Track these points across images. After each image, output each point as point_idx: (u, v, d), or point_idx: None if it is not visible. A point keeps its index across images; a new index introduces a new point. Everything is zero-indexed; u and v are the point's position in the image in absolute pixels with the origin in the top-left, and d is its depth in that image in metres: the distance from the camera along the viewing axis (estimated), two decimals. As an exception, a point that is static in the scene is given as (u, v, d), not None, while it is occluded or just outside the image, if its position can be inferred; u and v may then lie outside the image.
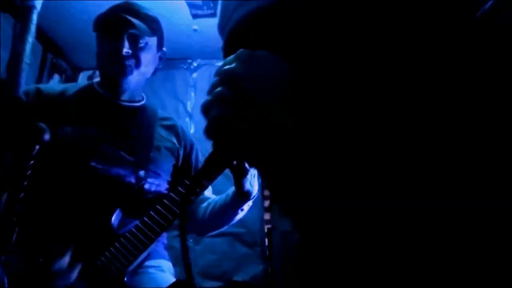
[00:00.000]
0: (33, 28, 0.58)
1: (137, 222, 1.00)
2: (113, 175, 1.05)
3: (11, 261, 0.79)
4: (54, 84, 1.25)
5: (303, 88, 0.38)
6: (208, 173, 0.43)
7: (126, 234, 0.98)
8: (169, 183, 1.20)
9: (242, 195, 1.08)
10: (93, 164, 1.04)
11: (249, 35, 0.44)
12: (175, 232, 2.27)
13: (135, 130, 1.15)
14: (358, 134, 0.34)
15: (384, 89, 0.34)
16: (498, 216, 0.28)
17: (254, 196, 1.10)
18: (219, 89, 0.40)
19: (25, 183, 0.74)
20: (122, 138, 1.11)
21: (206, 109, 0.41)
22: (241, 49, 0.41)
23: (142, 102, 1.25)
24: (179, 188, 1.04)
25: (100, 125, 1.11)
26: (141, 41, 1.13)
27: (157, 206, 1.01)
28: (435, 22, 0.34)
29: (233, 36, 0.46)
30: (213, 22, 2.25)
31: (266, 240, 2.36)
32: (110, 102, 1.17)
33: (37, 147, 0.83)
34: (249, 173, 1.03)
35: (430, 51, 0.33)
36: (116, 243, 0.97)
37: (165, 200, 1.01)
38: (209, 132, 0.41)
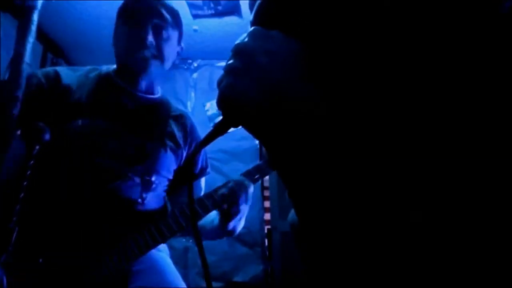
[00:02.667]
0: (33, 28, 0.58)
1: (140, 228, 1.00)
2: (119, 175, 1.03)
3: (10, 261, 0.79)
4: (74, 69, 1.16)
5: (317, 68, 0.39)
6: (213, 138, 0.46)
7: (128, 239, 0.98)
8: (169, 180, 1.19)
9: (225, 233, 1.10)
10: (99, 160, 1.01)
11: (270, 15, 0.46)
12: (175, 232, 2.27)
13: (147, 126, 1.13)
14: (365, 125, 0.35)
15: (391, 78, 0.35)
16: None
17: (237, 233, 1.12)
18: (230, 61, 0.42)
19: (25, 183, 0.74)
20: (132, 135, 1.09)
21: (219, 82, 0.43)
22: (254, 27, 0.43)
23: (158, 95, 1.22)
24: (202, 197, 1.04)
25: (111, 117, 1.07)
26: (164, 33, 1.10)
27: (175, 211, 1.02)
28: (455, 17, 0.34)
29: (256, 15, 0.47)
30: (214, 22, 2.25)
31: (266, 241, 2.36)
32: (126, 92, 1.13)
33: (37, 147, 0.83)
34: (235, 218, 1.05)
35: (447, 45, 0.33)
36: (114, 247, 0.97)
37: (174, 212, 1.03)
38: (219, 102, 0.42)
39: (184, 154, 1.23)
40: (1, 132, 0.59)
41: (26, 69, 0.57)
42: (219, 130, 0.45)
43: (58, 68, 1.12)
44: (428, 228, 0.30)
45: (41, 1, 0.58)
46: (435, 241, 0.29)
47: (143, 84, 1.16)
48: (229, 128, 0.45)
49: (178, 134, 1.21)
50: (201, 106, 2.51)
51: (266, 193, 2.55)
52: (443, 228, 0.29)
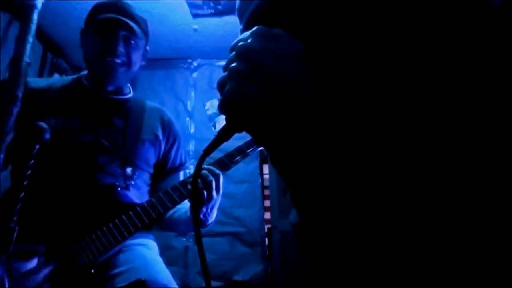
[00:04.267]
0: (33, 27, 0.58)
1: (121, 215, 1.02)
2: (96, 165, 1.07)
3: (11, 260, 0.79)
4: (43, 78, 1.27)
5: (320, 67, 0.38)
6: (218, 144, 0.45)
7: (109, 225, 1.00)
8: (151, 175, 1.22)
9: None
10: (75, 152, 1.06)
11: (270, 14, 0.44)
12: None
13: (121, 122, 1.18)
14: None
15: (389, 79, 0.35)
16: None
17: (208, 225, 1.14)
18: (234, 64, 0.40)
19: (25, 183, 0.74)
20: (106, 129, 1.14)
21: (221, 84, 0.41)
22: (257, 26, 0.41)
23: (129, 95, 1.28)
24: (169, 190, 1.07)
25: (84, 116, 1.13)
26: (132, 42, 1.18)
27: (144, 204, 1.04)
28: (442, 18, 0.34)
29: (254, 16, 0.46)
30: (213, 21, 2.25)
31: (266, 240, 2.36)
32: (95, 95, 1.19)
33: (37, 146, 0.83)
34: (206, 206, 1.06)
35: (435, 46, 0.34)
36: (93, 233, 0.99)
37: (152, 199, 1.05)
38: (223, 107, 0.40)
39: (163, 147, 1.26)
40: (1, 132, 0.59)
41: (26, 68, 0.57)
42: (223, 135, 0.43)
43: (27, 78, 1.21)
44: (425, 230, 0.30)
45: (41, 1, 0.58)
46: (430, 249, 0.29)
47: (111, 88, 1.21)
48: (234, 133, 0.43)
49: (155, 126, 1.26)
50: (201, 106, 2.51)
51: (266, 192, 2.55)
52: (441, 232, 0.29)
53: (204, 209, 1.07)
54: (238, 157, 1.14)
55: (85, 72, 1.25)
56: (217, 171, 1.07)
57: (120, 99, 1.23)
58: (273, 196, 2.50)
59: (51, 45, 2.41)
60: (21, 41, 0.56)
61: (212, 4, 2.12)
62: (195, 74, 2.61)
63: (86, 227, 1.00)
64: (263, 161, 2.49)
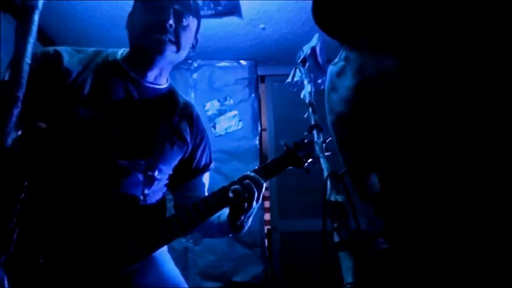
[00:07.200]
0: (34, 28, 0.58)
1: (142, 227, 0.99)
2: (121, 171, 1.00)
3: (11, 262, 0.79)
4: (77, 49, 1.10)
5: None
6: None
7: (128, 239, 0.97)
8: (169, 176, 1.16)
9: (233, 229, 1.08)
10: (101, 156, 0.99)
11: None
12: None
13: (153, 118, 1.09)
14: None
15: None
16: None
17: (243, 232, 1.10)
18: None
19: (26, 183, 0.73)
20: (136, 125, 1.05)
21: None
22: None
23: (166, 85, 1.18)
24: (208, 197, 1.04)
25: (116, 108, 1.04)
26: (184, 20, 1.08)
27: (178, 215, 1.01)
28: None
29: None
30: (213, 22, 2.25)
31: (266, 241, 2.36)
32: (133, 81, 1.09)
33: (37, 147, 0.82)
34: (245, 215, 1.04)
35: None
36: (115, 247, 0.95)
37: (189, 208, 1.02)
38: None
39: (190, 148, 1.19)
40: (1, 133, 0.59)
41: (26, 69, 0.57)
42: None
43: (60, 48, 1.06)
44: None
45: (42, 1, 0.58)
46: None
47: (152, 73, 1.12)
48: None
49: (185, 129, 1.17)
50: (201, 106, 2.51)
51: (266, 193, 2.55)
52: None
53: (242, 217, 1.04)
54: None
55: (121, 51, 1.13)
56: (262, 181, 1.04)
57: (157, 89, 1.13)
58: (273, 197, 2.50)
59: (51, 45, 2.41)
60: (21, 42, 0.56)
61: (212, 5, 2.13)
62: (195, 75, 2.60)
63: (104, 240, 0.94)
64: (263, 162, 2.49)
